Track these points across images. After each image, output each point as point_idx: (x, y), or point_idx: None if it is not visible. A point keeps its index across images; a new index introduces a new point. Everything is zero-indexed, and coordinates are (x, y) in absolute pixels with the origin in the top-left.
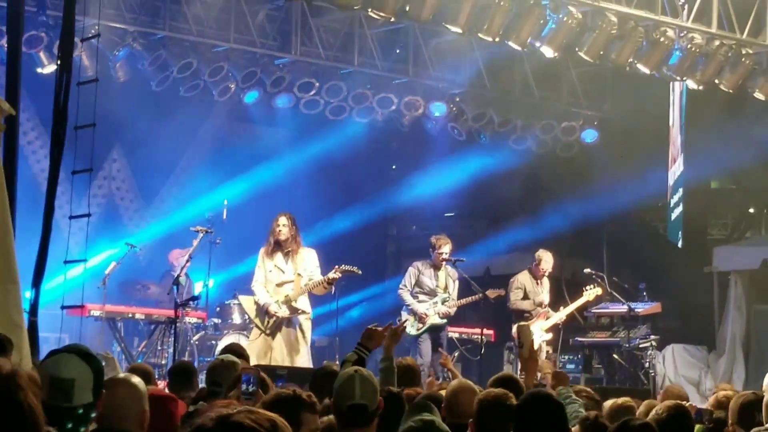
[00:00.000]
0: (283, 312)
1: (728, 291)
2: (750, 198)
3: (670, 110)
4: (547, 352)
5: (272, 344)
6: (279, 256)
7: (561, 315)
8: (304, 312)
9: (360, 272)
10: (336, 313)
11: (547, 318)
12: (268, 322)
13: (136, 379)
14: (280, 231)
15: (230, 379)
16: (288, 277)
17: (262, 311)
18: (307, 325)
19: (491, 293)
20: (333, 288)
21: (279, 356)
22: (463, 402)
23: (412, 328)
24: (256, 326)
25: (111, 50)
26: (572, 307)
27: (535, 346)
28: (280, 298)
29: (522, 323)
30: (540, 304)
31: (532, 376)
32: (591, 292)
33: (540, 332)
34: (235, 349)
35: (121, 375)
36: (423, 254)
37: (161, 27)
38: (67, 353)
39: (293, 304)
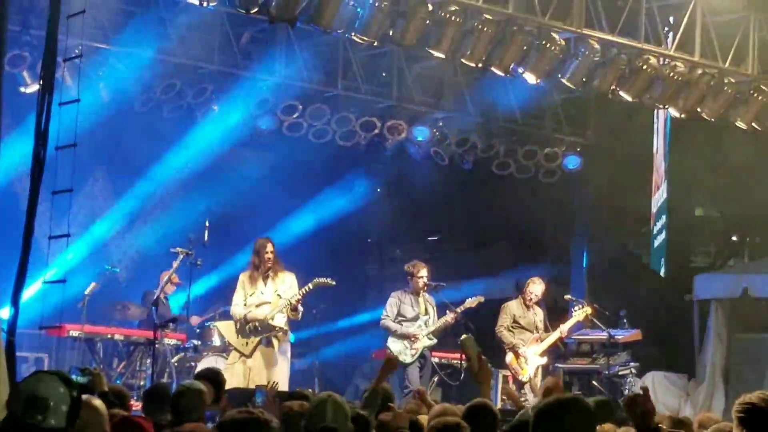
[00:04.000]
0: (259, 319)
1: (708, 319)
2: (733, 225)
3: (654, 137)
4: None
5: (251, 365)
6: (260, 280)
7: (553, 337)
8: (281, 329)
9: (334, 282)
10: (317, 336)
11: (541, 341)
12: (248, 343)
13: (97, 402)
14: (269, 258)
15: (194, 405)
16: (267, 298)
17: (243, 329)
18: (285, 346)
19: (470, 302)
20: (300, 314)
21: (258, 377)
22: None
23: (406, 357)
24: (236, 350)
25: (95, 70)
26: (565, 327)
27: (531, 371)
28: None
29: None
30: (535, 328)
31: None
32: (581, 312)
33: (535, 357)
34: (208, 375)
35: (83, 397)
36: (405, 278)
37: (145, 47)
38: (50, 374)
39: (270, 322)
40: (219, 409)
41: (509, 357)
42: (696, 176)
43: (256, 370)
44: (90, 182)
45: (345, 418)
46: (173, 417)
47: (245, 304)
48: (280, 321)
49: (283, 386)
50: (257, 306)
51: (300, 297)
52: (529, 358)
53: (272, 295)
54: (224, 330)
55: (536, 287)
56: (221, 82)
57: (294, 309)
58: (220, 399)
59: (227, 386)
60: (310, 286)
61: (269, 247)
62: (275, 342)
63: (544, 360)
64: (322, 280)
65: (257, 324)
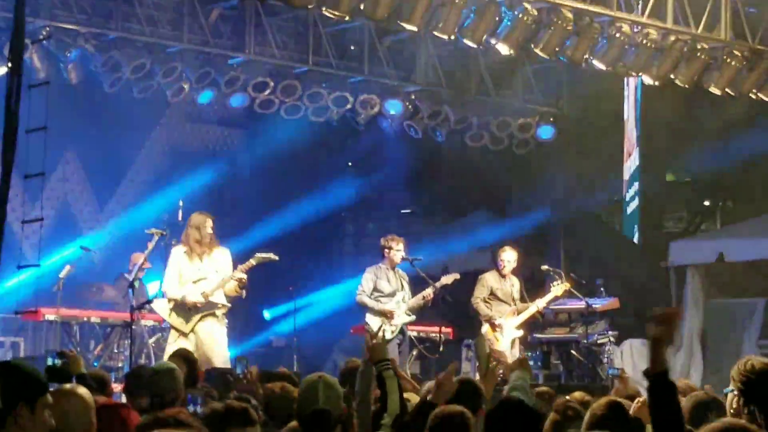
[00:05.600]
0: (200, 300)
1: (685, 285)
2: (705, 191)
3: (625, 105)
4: (520, 348)
5: (192, 343)
6: (195, 255)
7: (530, 311)
8: (224, 306)
9: (276, 258)
10: (294, 312)
11: (518, 313)
12: (187, 321)
13: (83, 390)
14: (210, 234)
15: (170, 385)
16: (204, 274)
17: (182, 308)
18: (223, 321)
19: (446, 279)
20: (244, 292)
21: (200, 356)
22: None
23: (386, 333)
24: (174, 328)
25: (62, 52)
26: (543, 301)
27: (507, 343)
28: (197, 295)
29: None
30: (512, 299)
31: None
32: (559, 287)
33: (511, 329)
34: (180, 355)
35: (68, 386)
36: (381, 252)
37: (113, 28)
38: None
39: (210, 299)
40: (197, 390)
41: (485, 328)
42: (667, 142)
43: (198, 348)
44: (61, 165)
45: (337, 398)
46: (151, 399)
47: (181, 282)
48: (220, 298)
49: (225, 363)
50: (194, 282)
51: (244, 274)
52: (505, 330)
53: (210, 272)
54: (159, 308)
55: (507, 254)
56: (191, 60)
57: (243, 287)
58: (196, 379)
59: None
60: (253, 261)
61: (209, 223)
62: (215, 319)
63: (521, 333)
64: (264, 255)
65: (197, 303)
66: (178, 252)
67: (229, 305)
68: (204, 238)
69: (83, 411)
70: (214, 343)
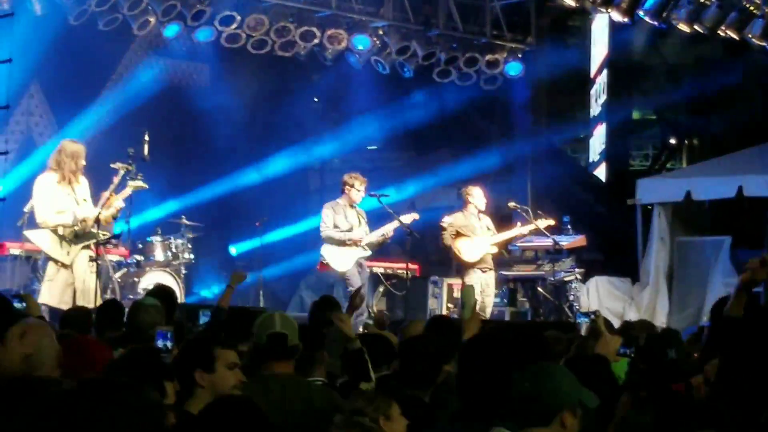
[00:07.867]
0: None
1: (651, 223)
2: (670, 128)
3: (592, 42)
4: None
5: (76, 276)
6: (67, 184)
7: (512, 233)
8: (109, 235)
9: (146, 186)
10: (260, 249)
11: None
12: (69, 252)
13: (43, 322)
14: (83, 165)
15: (150, 320)
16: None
17: (62, 238)
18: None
19: (405, 218)
20: (120, 211)
21: (84, 288)
22: None
23: (340, 265)
24: (53, 260)
25: None
26: (526, 228)
27: (477, 255)
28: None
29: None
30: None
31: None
32: (544, 222)
33: (486, 245)
34: (162, 293)
35: (30, 320)
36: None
37: None
38: None
39: (93, 230)
40: (166, 326)
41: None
42: (633, 80)
43: (81, 280)
44: (25, 98)
45: (294, 329)
46: (128, 332)
47: (58, 211)
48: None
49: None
50: (59, 213)
51: (122, 202)
52: (478, 244)
53: (80, 201)
54: (36, 239)
55: (478, 197)
56: None
57: (117, 216)
58: (172, 318)
59: (49, 302)
60: (129, 190)
61: (83, 153)
62: (97, 249)
63: (495, 250)
64: (137, 183)
65: (78, 229)
66: (49, 179)
67: (109, 234)
68: (79, 170)
69: (52, 344)
70: (90, 279)
